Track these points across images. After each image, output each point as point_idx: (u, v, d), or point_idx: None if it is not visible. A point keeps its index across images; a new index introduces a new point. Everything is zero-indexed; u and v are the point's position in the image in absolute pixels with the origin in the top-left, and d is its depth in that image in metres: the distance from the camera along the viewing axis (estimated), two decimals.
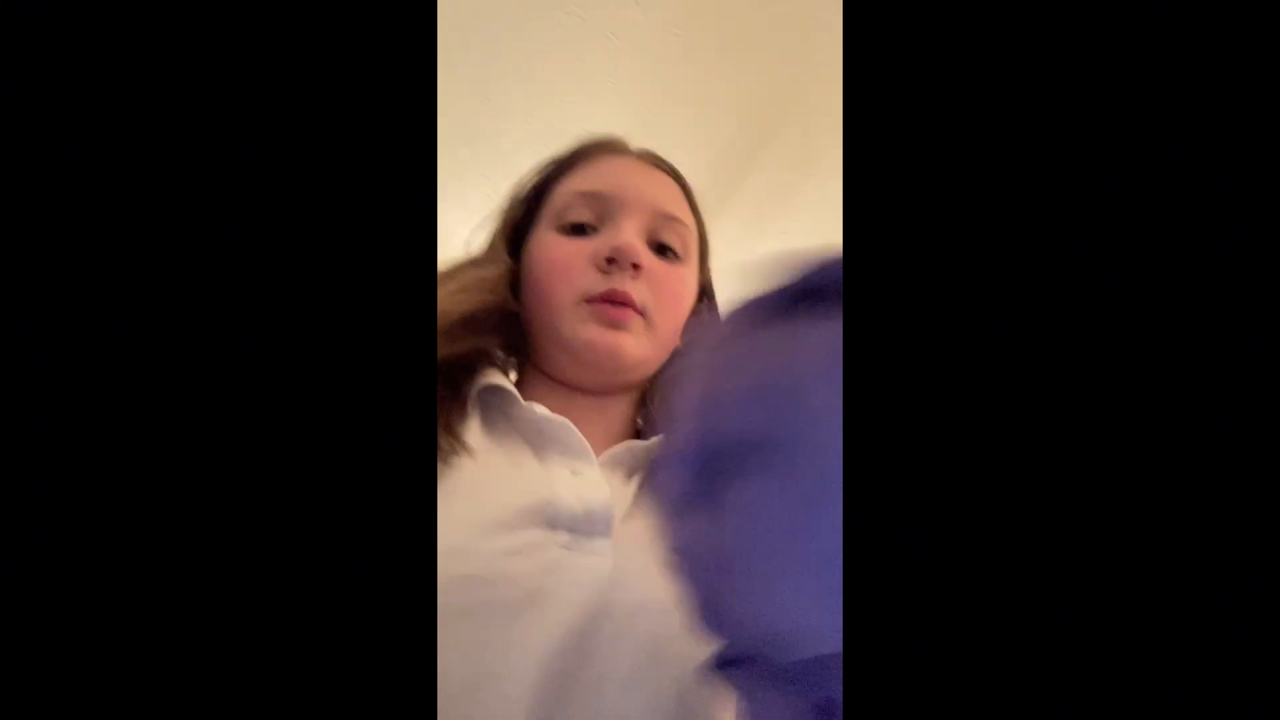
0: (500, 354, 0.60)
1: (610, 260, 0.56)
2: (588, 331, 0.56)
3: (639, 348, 0.57)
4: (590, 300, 0.56)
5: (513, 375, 0.61)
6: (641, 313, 0.56)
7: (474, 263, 0.61)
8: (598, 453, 0.54)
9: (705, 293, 0.65)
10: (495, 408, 0.56)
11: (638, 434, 0.61)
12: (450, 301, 0.54)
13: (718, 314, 0.66)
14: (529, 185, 0.64)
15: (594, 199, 0.59)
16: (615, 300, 0.56)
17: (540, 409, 0.54)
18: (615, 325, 0.55)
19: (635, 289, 0.56)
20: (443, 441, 0.49)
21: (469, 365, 0.55)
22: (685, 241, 0.61)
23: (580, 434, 0.54)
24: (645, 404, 0.62)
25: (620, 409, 0.61)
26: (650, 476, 0.56)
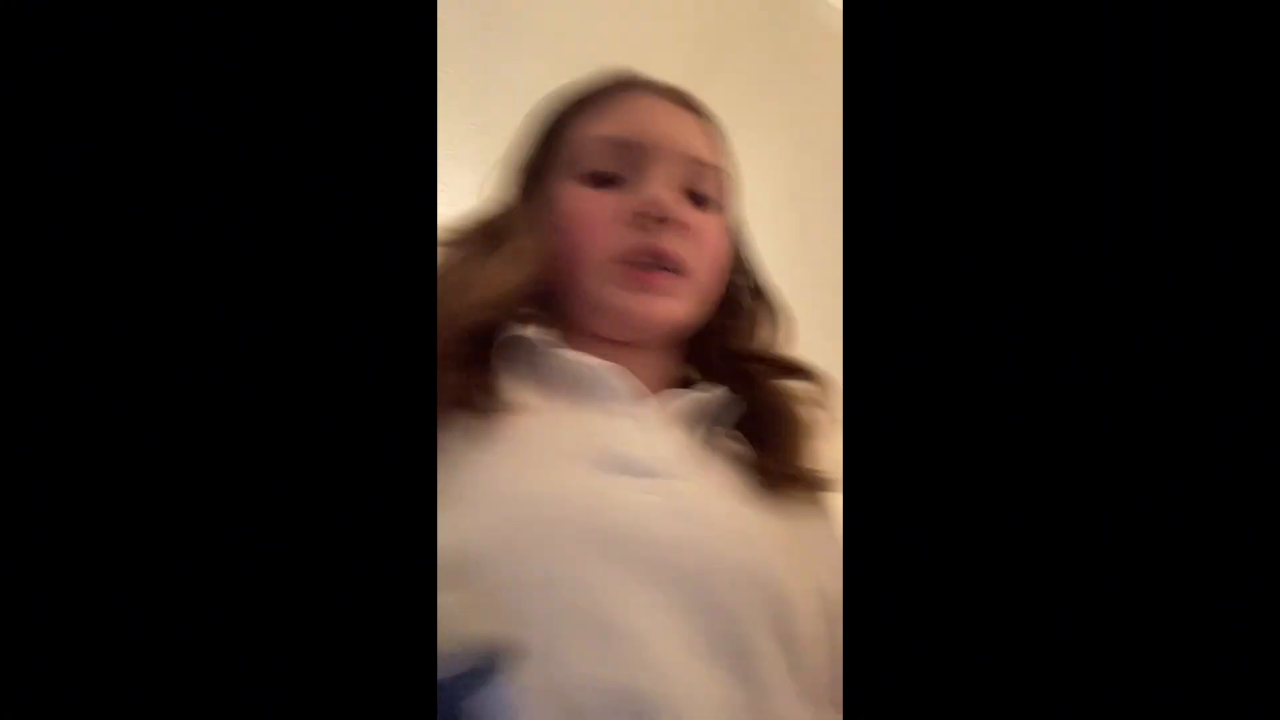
0: (523, 307, 0.56)
1: (643, 215, 0.51)
2: (620, 297, 0.51)
3: (678, 308, 0.53)
4: (623, 260, 0.51)
5: (533, 327, 0.56)
6: (679, 270, 0.52)
7: (500, 226, 0.55)
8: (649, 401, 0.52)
9: (737, 233, 0.61)
10: (522, 360, 0.52)
11: (686, 382, 0.57)
12: (496, 279, 0.50)
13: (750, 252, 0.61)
14: (542, 125, 0.58)
15: (620, 147, 0.53)
16: (651, 258, 0.51)
17: (575, 354, 0.51)
18: (647, 286, 0.51)
19: (672, 245, 0.51)
20: (479, 399, 0.47)
21: (495, 324, 0.52)
22: (720, 188, 0.56)
23: (632, 377, 0.51)
24: (696, 353, 0.58)
25: (664, 357, 0.56)
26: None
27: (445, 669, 0.35)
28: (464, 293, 0.48)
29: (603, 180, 0.53)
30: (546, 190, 0.55)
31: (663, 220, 0.51)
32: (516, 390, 0.50)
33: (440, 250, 0.52)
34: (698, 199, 0.54)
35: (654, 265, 0.52)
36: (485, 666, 0.36)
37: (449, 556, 0.36)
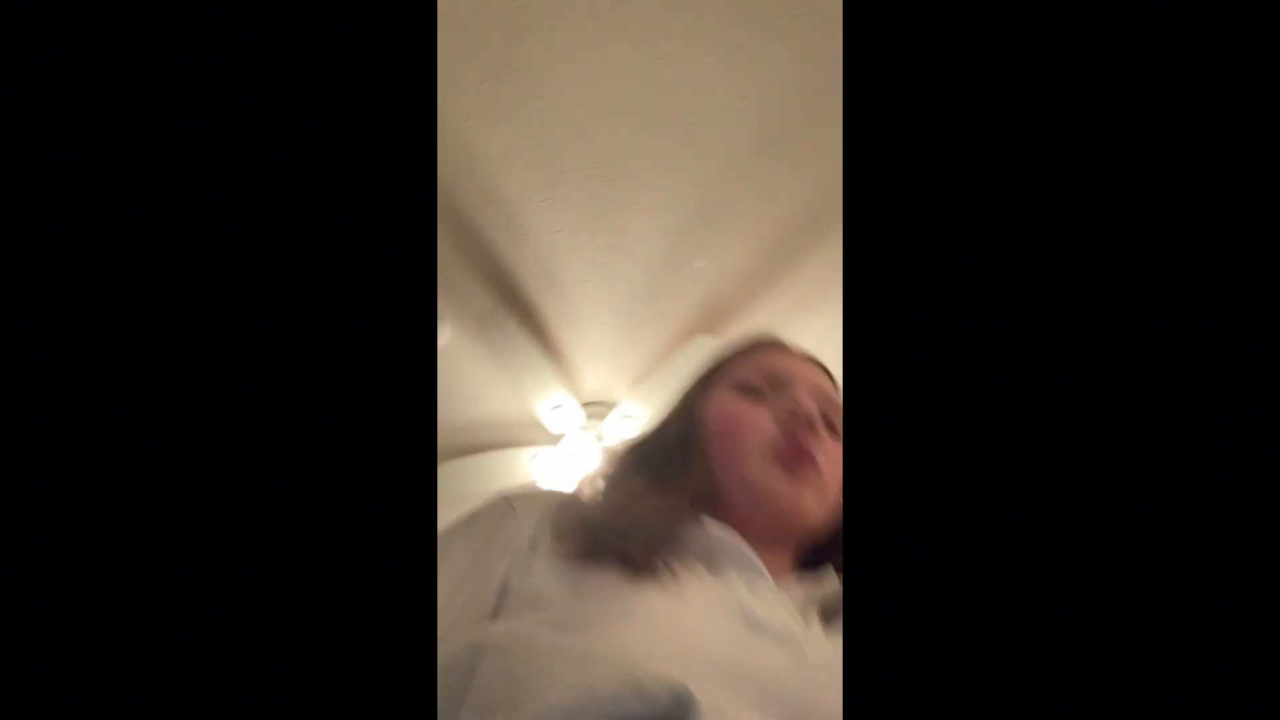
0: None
1: (791, 413, 0.62)
2: (776, 482, 0.60)
3: (815, 504, 0.61)
4: (777, 451, 0.61)
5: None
6: (819, 470, 0.61)
7: (667, 444, 0.65)
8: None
9: None
10: (679, 535, 0.59)
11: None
12: (675, 511, 0.58)
13: None
14: (702, 368, 0.71)
15: (771, 373, 0.66)
16: (801, 449, 0.60)
17: (715, 527, 0.58)
18: (799, 476, 0.60)
19: (812, 445, 0.61)
20: (654, 562, 0.53)
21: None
22: (839, 424, 0.66)
23: (753, 552, 0.57)
24: (806, 559, 0.66)
25: (783, 557, 0.64)
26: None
27: None
28: (664, 519, 0.57)
29: (754, 392, 0.65)
30: (711, 398, 0.66)
31: (810, 424, 0.61)
32: (677, 559, 0.56)
33: (609, 468, 0.63)
34: (827, 424, 0.65)
35: (804, 459, 0.61)
36: None
37: (634, 684, 0.42)
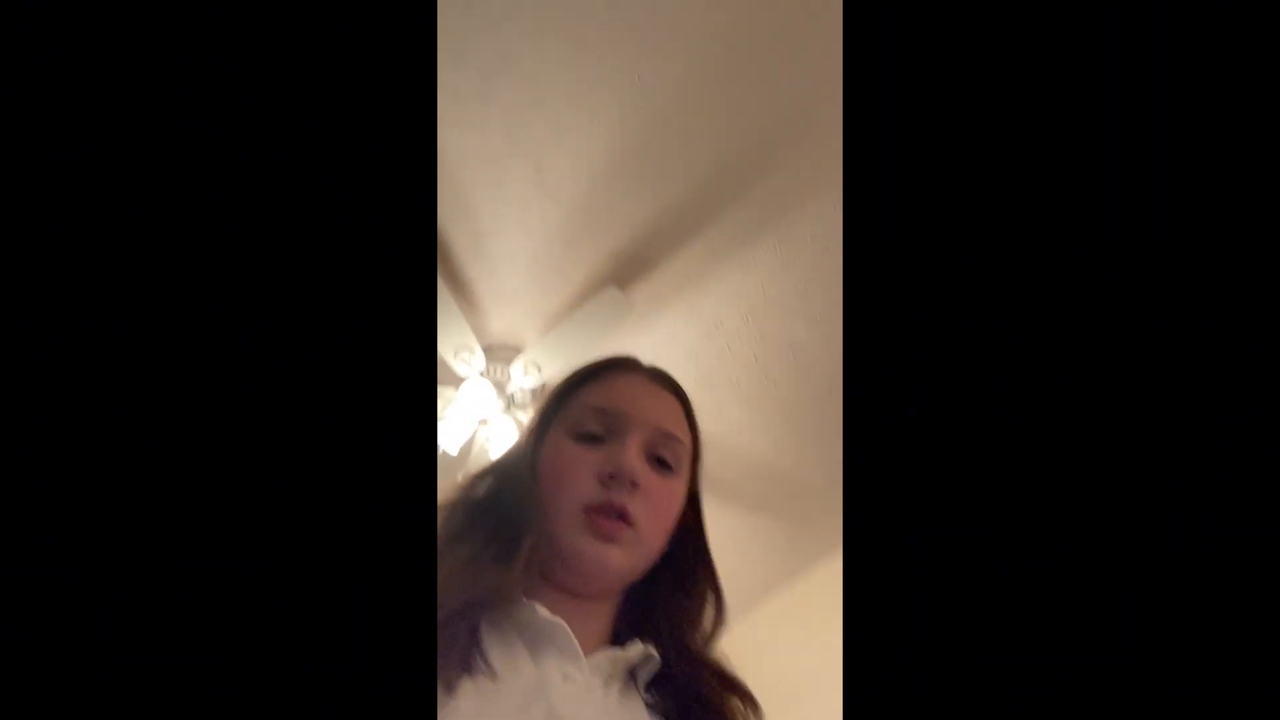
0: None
1: (611, 476, 0.63)
2: (581, 542, 0.62)
3: (625, 559, 0.64)
4: (588, 509, 0.63)
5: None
6: (633, 524, 0.63)
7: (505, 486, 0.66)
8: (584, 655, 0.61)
9: (693, 499, 0.73)
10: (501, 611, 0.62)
11: (616, 637, 0.67)
12: (496, 579, 0.59)
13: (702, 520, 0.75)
14: (556, 393, 0.72)
15: (605, 414, 0.67)
16: (611, 513, 0.62)
17: (541, 610, 0.60)
18: (607, 538, 0.62)
19: (631, 502, 0.63)
20: (474, 662, 0.55)
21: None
22: (679, 456, 0.69)
23: (573, 637, 0.59)
24: (633, 610, 0.69)
25: (604, 611, 0.67)
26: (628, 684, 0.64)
27: None
28: (470, 586, 0.58)
29: (588, 438, 0.67)
30: (546, 443, 0.68)
31: (626, 481, 0.63)
32: (494, 644, 0.59)
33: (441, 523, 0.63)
34: (661, 463, 0.67)
35: (614, 516, 0.63)
36: None
37: None
